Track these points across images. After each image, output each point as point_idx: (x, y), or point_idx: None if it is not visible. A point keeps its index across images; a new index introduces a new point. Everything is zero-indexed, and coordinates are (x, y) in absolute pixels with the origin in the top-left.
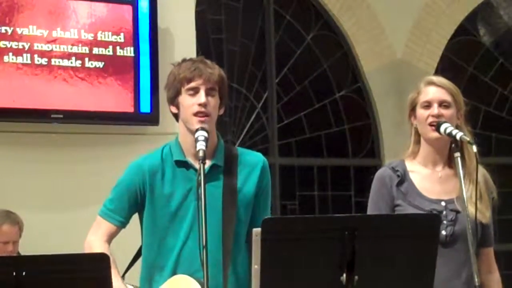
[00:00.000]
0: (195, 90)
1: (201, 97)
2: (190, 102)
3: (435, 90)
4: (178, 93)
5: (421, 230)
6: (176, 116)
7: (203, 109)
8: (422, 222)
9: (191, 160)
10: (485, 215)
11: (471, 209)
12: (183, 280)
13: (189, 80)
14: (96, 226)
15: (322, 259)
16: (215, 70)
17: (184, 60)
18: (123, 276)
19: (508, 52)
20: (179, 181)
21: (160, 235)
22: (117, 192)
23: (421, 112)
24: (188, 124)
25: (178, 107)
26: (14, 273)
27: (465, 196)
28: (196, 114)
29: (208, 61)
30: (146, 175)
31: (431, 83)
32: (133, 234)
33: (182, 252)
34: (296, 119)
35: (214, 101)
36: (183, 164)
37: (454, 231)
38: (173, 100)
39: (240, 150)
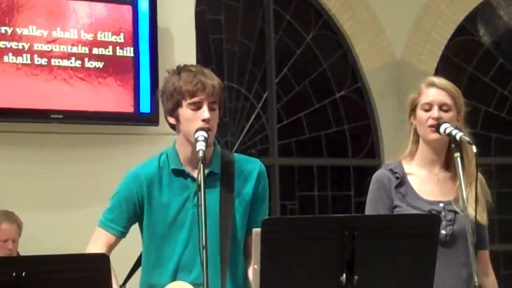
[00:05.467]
0: (198, 105)
1: (205, 112)
2: (193, 117)
3: (436, 92)
4: (178, 105)
5: (421, 230)
6: (173, 127)
7: (207, 125)
8: (422, 222)
9: (188, 168)
10: (482, 217)
11: (469, 210)
12: (181, 286)
13: (192, 95)
14: (95, 236)
15: (322, 259)
16: (215, 81)
17: (181, 69)
18: (123, 285)
19: (508, 52)
20: (176, 189)
21: (158, 243)
22: (115, 202)
23: (421, 113)
24: (191, 138)
25: (178, 119)
26: (14, 274)
27: (464, 196)
28: (199, 129)
29: (206, 70)
30: (143, 184)
31: (432, 84)
32: (132, 243)
33: (180, 260)
34: (296, 119)
35: (215, 114)
36: (180, 172)
37: (454, 231)
38: (173, 111)
39: (237, 156)
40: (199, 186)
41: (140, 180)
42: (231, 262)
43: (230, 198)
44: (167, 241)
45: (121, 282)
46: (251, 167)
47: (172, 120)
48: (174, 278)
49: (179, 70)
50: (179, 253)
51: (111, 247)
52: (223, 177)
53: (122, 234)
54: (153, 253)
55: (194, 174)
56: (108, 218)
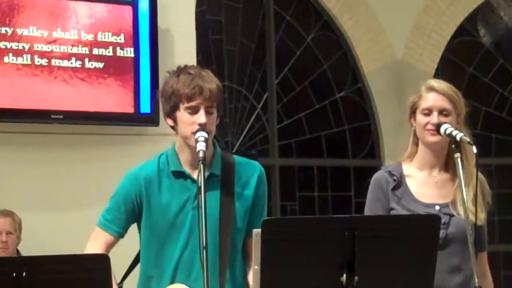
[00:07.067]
0: (195, 109)
1: (202, 117)
2: (190, 121)
3: (435, 97)
4: (176, 108)
5: (421, 231)
6: (173, 128)
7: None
8: (422, 222)
9: (188, 170)
10: (480, 218)
11: (469, 212)
12: None
13: (189, 99)
14: (94, 236)
15: (322, 259)
16: (213, 85)
17: (180, 71)
18: (120, 283)
19: (508, 53)
20: (176, 191)
21: (158, 244)
22: (114, 202)
23: (420, 118)
24: (187, 140)
25: (175, 122)
26: (14, 274)
27: (465, 197)
28: (200, 129)
29: (205, 73)
30: (142, 185)
31: (432, 89)
32: (130, 243)
33: (180, 262)
34: (296, 120)
35: (213, 118)
36: (180, 174)
37: (447, 234)
38: (171, 114)
39: (237, 159)
40: (199, 188)
41: (138, 181)
42: (230, 265)
43: (230, 201)
44: (166, 243)
45: (118, 281)
46: (251, 170)
47: (170, 122)
48: (173, 280)
49: (179, 71)
50: (178, 255)
51: (109, 247)
52: (224, 179)
53: (120, 235)
54: (152, 254)
55: (194, 175)
56: (106, 218)
